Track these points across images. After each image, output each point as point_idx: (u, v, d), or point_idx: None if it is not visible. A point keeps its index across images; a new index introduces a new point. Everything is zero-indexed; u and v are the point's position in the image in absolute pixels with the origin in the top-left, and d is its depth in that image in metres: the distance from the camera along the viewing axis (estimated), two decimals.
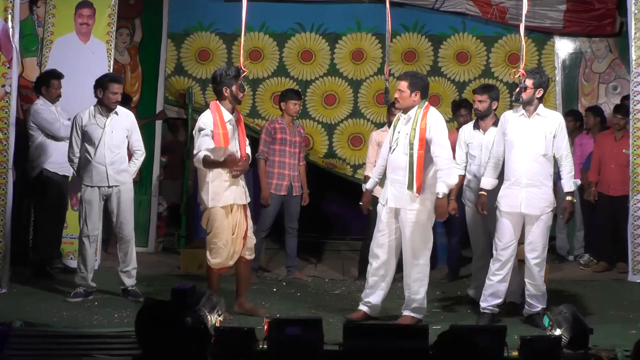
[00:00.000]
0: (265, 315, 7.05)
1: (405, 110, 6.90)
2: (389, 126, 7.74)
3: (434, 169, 6.78)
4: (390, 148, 6.95)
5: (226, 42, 10.39)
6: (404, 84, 6.86)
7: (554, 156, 6.93)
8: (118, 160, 7.56)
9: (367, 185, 7.33)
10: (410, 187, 6.74)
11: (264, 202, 8.70)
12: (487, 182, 7.12)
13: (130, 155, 7.75)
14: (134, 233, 7.74)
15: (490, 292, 6.97)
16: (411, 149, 6.75)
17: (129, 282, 7.63)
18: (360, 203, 7.37)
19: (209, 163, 6.80)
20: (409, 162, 6.76)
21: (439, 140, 6.77)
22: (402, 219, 6.84)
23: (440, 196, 6.74)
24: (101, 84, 7.52)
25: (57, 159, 8.24)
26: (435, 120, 6.82)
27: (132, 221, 7.68)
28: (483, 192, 7.14)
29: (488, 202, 7.22)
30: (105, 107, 7.51)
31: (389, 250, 6.94)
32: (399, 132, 6.89)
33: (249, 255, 7.15)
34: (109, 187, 7.52)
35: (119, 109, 7.62)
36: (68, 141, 7.96)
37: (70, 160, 7.67)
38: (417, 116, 6.81)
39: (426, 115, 6.80)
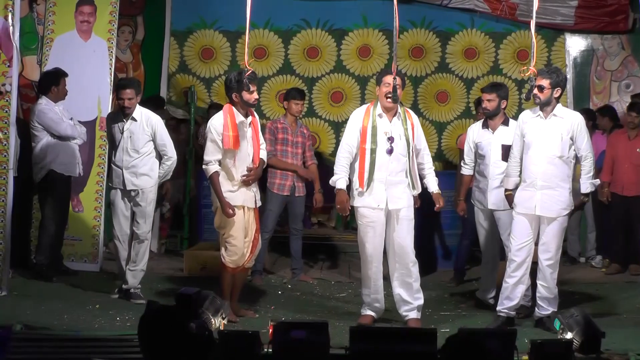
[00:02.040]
0: (255, 316, 7.12)
1: (390, 110, 6.86)
2: None
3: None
4: (375, 150, 6.81)
5: (230, 39, 10.42)
6: (398, 81, 6.80)
7: (575, 157, 6.91)
8: (138, 164, 7.67)
9: (341, 185, 6.88)
10: (414, 187, 6.88)
11: (304, 174, 8.72)
12: (511, 182, 7.08)
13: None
14: (150, 235, 7.89)
15: (506, 294, 6.96)
16: (408, 149, 6.83)
17: (133, 282, 7.70)
18: (338, 205, 6.92)
19: (214, 185, 6.88)
20: (409, 163, 6.84)
21: (424, 139, 7.08)
22: (401, 218, 6.85)
23: (437, 191, 6.98)
24: (114, 91, 7.80)
25: (63, 160, 8.28)
26: (416, 120, 7.06)
27: (150, 222, 7.82)
28: (509, 192, 7.10)
29: (499, 204, 7.38)
30: (122, 112, 7.69)
31: (381, 251, 6.98)
32: (386, 133, 6.83)
33: (252, 262, 7.23)
34: (126, 190, 7.68)
35: (141, 113, 7.70)
36: (73, 141, 8.09)
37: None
38: (404, 115, 6.91)
39: (410, 114, 6.97)
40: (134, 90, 7.66)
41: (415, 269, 6.92)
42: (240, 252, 6.98)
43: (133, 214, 7.75)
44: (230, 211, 6.86)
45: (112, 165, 7.71)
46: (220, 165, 6.91)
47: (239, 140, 6.86)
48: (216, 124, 6.89)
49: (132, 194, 7.67)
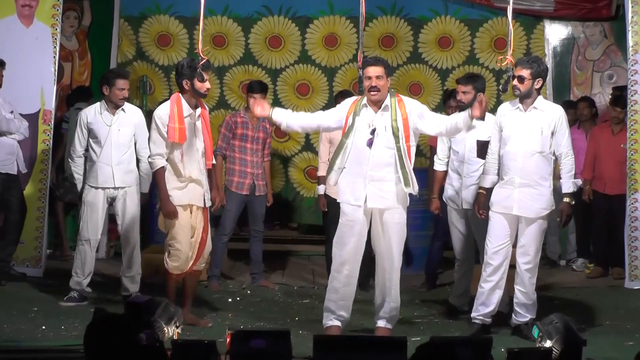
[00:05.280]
0: (208, 325, 7.10)
1: (376, 102, 6.72)
2: None
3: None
4: (353, 143, 6.67)
5: (187, 26, 10.37)
6: (380, 70, 6.68)
7: (554, 154, 6.93)
8: (126, 160, 7.77)
9: (274, 111, 6.85)
10: (407, 184, 6.59)
11: (215, 202, 8.57)
12: (487, 180, 7.08)
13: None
14: (139, 236, 7.92)
15: (481, 300, 6.98)
16: (397, 142, 6.58)
17: (133, 288, 7.74)
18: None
19: (159, 180, 6.90)
20: (397, 157, 6.58)
21: (428, 113, 6.73)
22: (387, 221, 6.68)
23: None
24: (107, 80, 7.77)
25: None
26: (415, 105, 6.74)
27: (138, 224, 7.87)
28: (482, 191, 7.10)
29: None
30: (112, 103, 7.73)
31: (360, 255, 6.82)
32: (370, 125, 6.65)
33: (201, 264, 7.20)
34: (115, 188, 7.73)
35: (127, 105, 7.84)
36: (10, 136, 8.00)
37: (71, 158, 7.95)
38: (394, 105, 6.67)
39: (403, 103, 6.70)
40: (127, 80, 7.81)
41: (397, 277, 6.79)
42: (184, 257, 6.93)
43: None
44: (172, 212, 6.86)
45: (98, 164, 7.69)
46: (167, 159, 6.89)
47: (185, 134, 6.82)
48: (161, 114, 6.87)
49: (120, 193, 7.72)
